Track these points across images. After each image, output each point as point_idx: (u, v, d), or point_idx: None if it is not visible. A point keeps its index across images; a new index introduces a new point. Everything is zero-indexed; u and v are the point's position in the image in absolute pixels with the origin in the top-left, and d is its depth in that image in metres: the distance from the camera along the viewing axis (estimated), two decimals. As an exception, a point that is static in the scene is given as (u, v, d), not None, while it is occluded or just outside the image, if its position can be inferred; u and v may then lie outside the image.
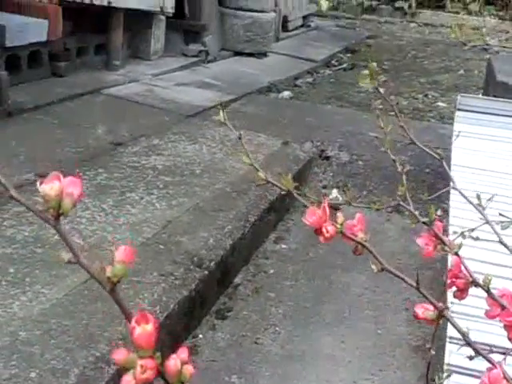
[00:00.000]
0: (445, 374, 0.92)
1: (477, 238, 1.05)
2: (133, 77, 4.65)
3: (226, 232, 2.59)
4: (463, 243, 0.92)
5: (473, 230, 1.03)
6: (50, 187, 0.63)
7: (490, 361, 0.85)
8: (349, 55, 6.90)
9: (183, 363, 0.63)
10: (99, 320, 1.88)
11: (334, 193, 3.45)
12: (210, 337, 2.26)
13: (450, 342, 1.55)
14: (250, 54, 5.98)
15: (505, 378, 0.76)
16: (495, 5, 10.00)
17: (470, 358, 0.91)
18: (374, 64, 1.02)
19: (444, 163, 1.06)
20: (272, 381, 2.10)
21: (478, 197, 1.03)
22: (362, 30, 8.53)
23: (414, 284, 0.87)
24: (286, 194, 0.91)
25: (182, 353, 0.64)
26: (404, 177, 1.01)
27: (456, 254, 0.91)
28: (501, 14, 9.81)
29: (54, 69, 4.27)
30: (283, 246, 2.93)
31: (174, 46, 5.40)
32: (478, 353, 0.87)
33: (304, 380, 2.12)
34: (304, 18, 7.79)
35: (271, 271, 2.72)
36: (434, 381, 0.89)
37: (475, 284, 0.90)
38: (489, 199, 1.06)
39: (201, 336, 2.26)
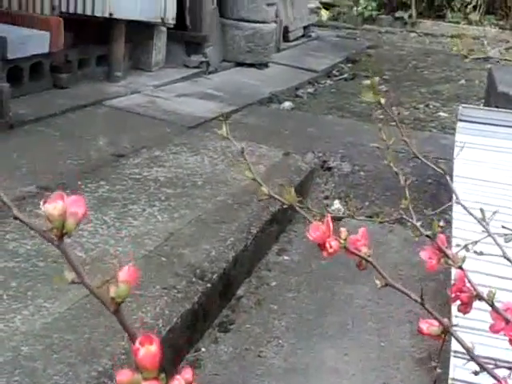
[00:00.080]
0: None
1: (480, 253, 1.04)
2: (134, 88, 4.65)
3: (229, 244, 2.58)
4: (467, 256, 0.91)
5: (476, 242, 1.02)
6: (53, 207, 0.62)
7: (494, 376, 0.84)
8: (349, 65, 6.91)
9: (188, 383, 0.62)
10: (101, 334, 1.87)
11: (336, 204, 3.45)
12: (213, 350, 2.25)
13: (455, 356, 1.54)
14: (251, 65, 5.99)
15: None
16: (495, 14, 10.01)
17: (476, 373, 0.91)
18: (377, 79, 1.01)
19: (447, 178, 1.06)
20: (275, 394, 2.09)
21: (482, 211, 1.03)
22: (362, 40, 8.55)
23: (419, 299, 0.87)
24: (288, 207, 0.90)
25: (187, 373, 0.63)
26: (407, 190, 1.01)
27: (460, 267, 0.90)
28: (501, 23, 9.82)
29: (55, 80, 4.28)
30: (286, 258, 2.92)
31: (175, 57, 5.41)
32: (482, 368, 0.86)
33: (307, 393, 2.11)
34: (305, 28, 7.81)
35: (274, 283, 2.71)
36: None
37: (479, 298, 0.89)
38: (493, 213, 1.05)
39: (203, 349, 2.25)
